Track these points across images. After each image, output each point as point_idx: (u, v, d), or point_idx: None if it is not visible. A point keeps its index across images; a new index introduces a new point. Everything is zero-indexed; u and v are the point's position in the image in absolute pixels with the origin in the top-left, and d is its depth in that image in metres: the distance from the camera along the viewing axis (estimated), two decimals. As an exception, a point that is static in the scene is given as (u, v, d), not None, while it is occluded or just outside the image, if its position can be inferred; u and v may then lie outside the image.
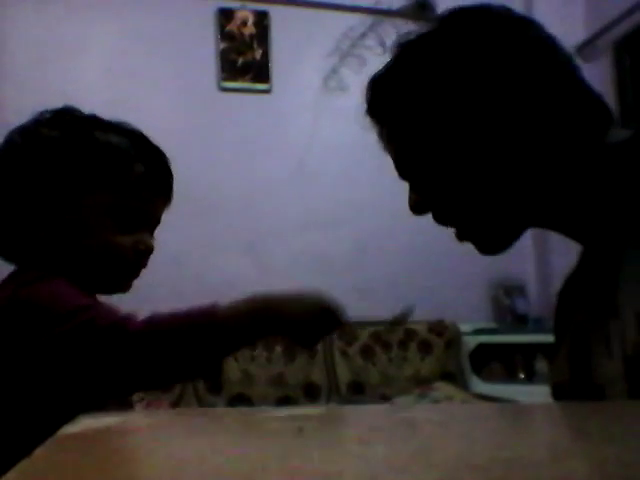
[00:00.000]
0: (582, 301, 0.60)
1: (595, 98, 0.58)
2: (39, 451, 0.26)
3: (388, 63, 0.61)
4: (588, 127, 0.55)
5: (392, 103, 0.61)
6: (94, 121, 0.69)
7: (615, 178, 0.54)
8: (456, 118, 0.56)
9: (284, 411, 0.39)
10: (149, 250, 0.69)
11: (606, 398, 0.54)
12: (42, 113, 0.68)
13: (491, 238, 0.61)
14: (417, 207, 0.62)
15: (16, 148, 0.66)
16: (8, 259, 0.67)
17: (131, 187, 0.66)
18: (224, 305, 0.59)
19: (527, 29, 0.58)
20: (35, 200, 0.64)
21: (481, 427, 0.32)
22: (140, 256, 0.68)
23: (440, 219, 0.62)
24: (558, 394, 0.64)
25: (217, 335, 0.55)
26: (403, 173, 0.63)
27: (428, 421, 0.35)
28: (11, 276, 0.65)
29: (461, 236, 0.62)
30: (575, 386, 0.59)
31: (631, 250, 0.52)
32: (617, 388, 0.52)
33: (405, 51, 0.60)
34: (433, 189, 0.60)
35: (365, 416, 0.40)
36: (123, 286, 0.70)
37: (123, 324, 0.55)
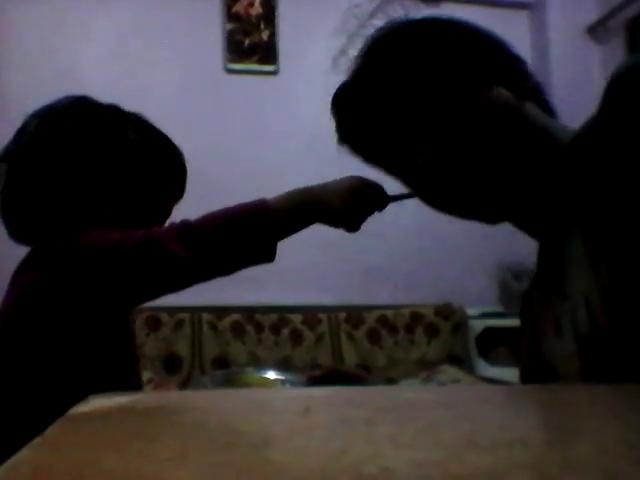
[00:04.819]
0: (537, 290, 0.63)
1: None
2: (51, 429, 0.27)
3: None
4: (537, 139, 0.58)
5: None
6: (113, 112, 0.69)
7: (565, 176, 0.56)
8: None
9: (292, 392, 0.39)
10: None
11: (559, 378, 0.56)
12: (60, 100, 0.68)
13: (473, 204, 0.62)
14: (424, 168, 0.61)
15: (33, 134, 0.66)
16: (23, 242, 0.67)
17: (144, 184, 0.67)
18: (271, 199, 0.63)
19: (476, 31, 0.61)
20: (45, 189, 0.64)
21: (486, 408, 0.32)
22: None
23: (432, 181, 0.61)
24: (523, 381, 0.67)
25: (269, 225, 0.59)
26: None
27: (433, 402, 0.35)
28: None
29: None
30: (533, 370, 0.61)
31: (573, 229, 0.54)
32: (570, 367, 0.53)
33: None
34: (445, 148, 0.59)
35: (371, 396, 0.41)
36: None
37: (174, 229, 0.58)
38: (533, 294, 0.64)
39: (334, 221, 0.64)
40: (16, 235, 0.67)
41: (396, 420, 0.29)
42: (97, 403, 0.33)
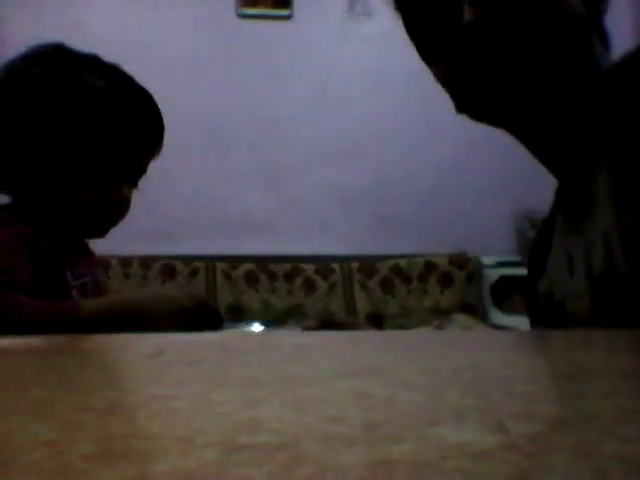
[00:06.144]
0: (551, 229, 0.61)
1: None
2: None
3: None
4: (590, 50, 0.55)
5: None
6: (87, 62, 0.67)
7: (600, 105, 0.53)
8: None
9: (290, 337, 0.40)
10: (123, 202, 0.68)
11: (567, 314, 0.55)
12: (33, 49, 0.66)
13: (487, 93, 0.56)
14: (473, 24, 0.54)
15: (0, 83, 0.65)
16: None
17: (109, 138, 0.65)
18: (89, 304, 0.58)
19: None
20: (12, 137, 0.64)
21: (496, 356, 0.32)
22: (113, 208, 0.68)
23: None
24: (532, 319, 0.67)
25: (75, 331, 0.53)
26: None
27: (440, 344, 0.36)
28: None
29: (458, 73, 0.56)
30: (542, 308, 0.61)
31: (600, 164, 0.52)
32: (579, 305, 0.53)
33: None
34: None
35: (375, 340, 0.41)
36: (97, 234, 0.71)
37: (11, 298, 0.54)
38: (546, 234, 0.64)
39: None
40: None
41: (397, 361, 0.29)
42: None
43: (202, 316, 0.60)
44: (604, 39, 0.58)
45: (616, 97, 0.52)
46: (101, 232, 0.71)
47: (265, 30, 2.37)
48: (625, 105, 0.50)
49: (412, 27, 0.62)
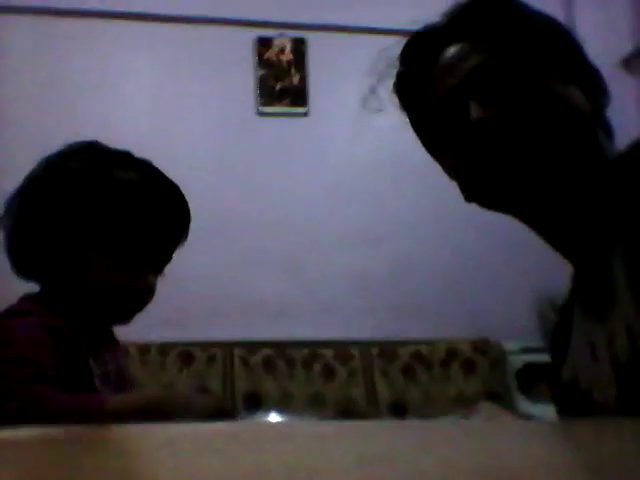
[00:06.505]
0: (570, 316, 0.61)
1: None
2: None
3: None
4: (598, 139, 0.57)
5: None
6: (119, 157, 0.71)
7: (611, 193, 0.55)
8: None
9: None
10: (148, 289, 0.71)
11: (594, 405, 0.53)
12: (70, 145, 0.72)
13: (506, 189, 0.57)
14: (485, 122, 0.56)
15: (37, 178, 0.70)
16: (27, 278, 0.71)
17: (136, 228, 0.68)
18: (117, 399, 0.59)
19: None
20: (48, 231, 0.67)
21: (518, 447, 0.31)
22: (139, 294, 0.70)
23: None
24: (559, 409, 0.64)
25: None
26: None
27: (459, 435, 0.35)
28: (20, 298, 0.69)
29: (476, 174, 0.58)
30: (568, 398, 0.59)
31: (615, 250, 0.52)
32: (606, 394, 0.51)
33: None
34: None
35: (393, 429, 0.40)
36: (122, 320, 0.72)
37: (4, 400, 0.55)
38: (565, 319, 0.63)
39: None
40: (19, 270, 0.70)
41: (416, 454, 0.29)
42: None
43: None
44: (608, 130, 0.61)
45: (624, 185, 0.53)
46: (126, 318, 0.73)
47: (283, 126, 2.51)
48: (633, 193, 0.51)
49: (418, 124, 0.66)
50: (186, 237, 0.75)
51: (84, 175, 0.68)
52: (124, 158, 0.72)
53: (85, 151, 0.71)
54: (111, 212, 0.68)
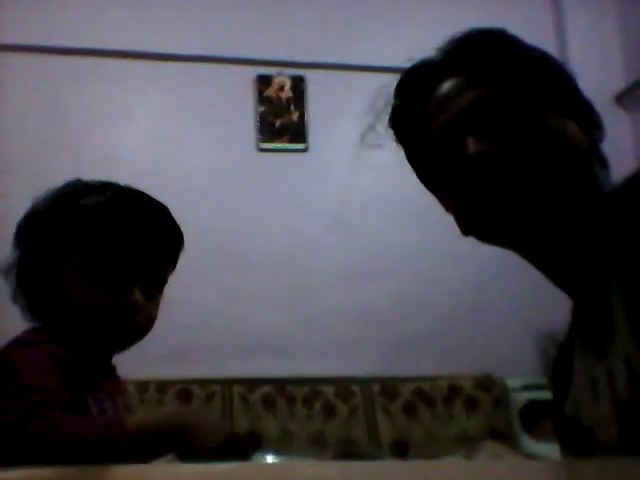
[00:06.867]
0: (569, 353, 0.61)
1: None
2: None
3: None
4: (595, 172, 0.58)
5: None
6: (88, 187, 0.74)
7: (607, 227, 0.55)
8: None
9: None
10: (134, 306, 0.69)
11: (597, 442, 0.52)
12: (58, 187, 0.74)
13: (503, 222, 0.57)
14: (482, 156, 0.56)
15: (22, 220, 0.73)
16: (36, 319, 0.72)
17: (109, 244, 0.69)
18: (135, 416, 0.59)
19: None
20: (34, 266, 0.71)
21: None
22: (125, 313, 0.69)
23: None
24: (562, 447, 0.63)
25: (116, 450, 0.54)
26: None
27: (460, 475, 0.34)
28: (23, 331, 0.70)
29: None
30: (571, 435, 0.58)
31: (613, 284, 0.52)
32: (608, 432, 0.51)
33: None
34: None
35: (394, 471, 0.40)
36: (118, 345, 0.72)
37: (25, 422, 0.54)
38: (566, 354, 0.62)
39: (194, 458, 0.58)
40: (30, 313, 0.72)
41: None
42: None
43: (233, 448, 0.57)
44: (604, 162, 0.62)
45: (621, 218, 0.53)
46: (120, 344, 0.72)
47: (283, 162, 2.54)
48: (630, 226, 0.51)
49: (414, 158, 0.67)
50: (172, 253, 0.75)
51: (55, 206, 0.72)
52: (96, 186, 0.74)
53: (61, 189, 0.74)
54: (82, 233, 0.70)
